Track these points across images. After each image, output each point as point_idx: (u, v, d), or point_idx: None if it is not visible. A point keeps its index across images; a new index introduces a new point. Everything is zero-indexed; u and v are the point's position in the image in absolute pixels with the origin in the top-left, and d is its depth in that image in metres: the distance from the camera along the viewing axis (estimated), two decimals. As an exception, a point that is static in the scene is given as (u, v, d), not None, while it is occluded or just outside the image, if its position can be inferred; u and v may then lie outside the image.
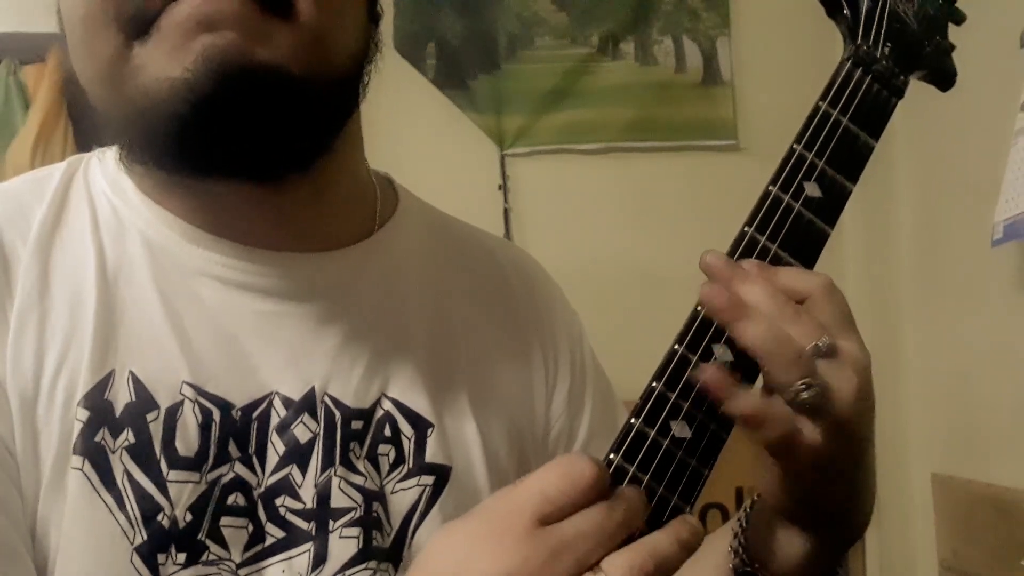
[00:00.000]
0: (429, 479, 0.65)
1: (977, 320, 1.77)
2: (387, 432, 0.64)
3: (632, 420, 0.54)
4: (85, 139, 1.83)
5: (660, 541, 0.49)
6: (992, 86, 1.55)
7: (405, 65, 2.05)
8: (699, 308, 0.55)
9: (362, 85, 0.64)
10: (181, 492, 0.58)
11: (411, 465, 0.64)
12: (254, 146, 0.57)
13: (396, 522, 0.63)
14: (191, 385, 0.60)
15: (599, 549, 0.48)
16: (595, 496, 0.48)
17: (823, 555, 0.61)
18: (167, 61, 0.54)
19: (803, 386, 0.52)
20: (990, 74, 1.50)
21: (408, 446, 0.65)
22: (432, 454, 0.65)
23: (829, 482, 0.56)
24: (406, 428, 0.65)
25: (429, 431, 0.66)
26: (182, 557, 0.57)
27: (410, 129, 1.98)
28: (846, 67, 0.60)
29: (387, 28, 2.00)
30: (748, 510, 0.65)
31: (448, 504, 0.64)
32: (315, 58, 0.56)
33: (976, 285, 1.77)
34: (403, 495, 0.64)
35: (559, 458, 0.50)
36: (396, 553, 0.63)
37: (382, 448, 0.64)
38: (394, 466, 0.64)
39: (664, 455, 0.53)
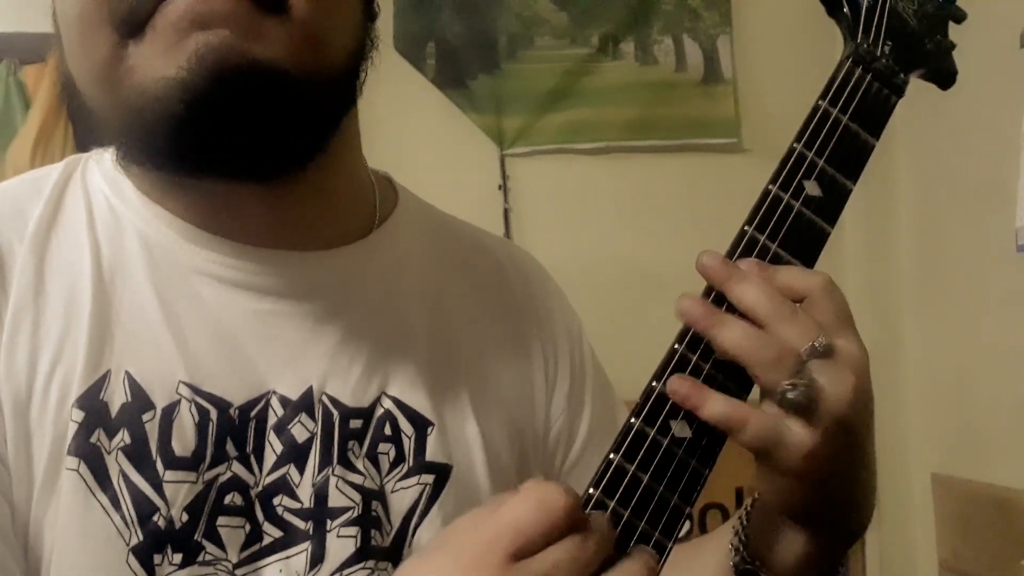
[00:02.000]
0: (429, 478, 0.64)
1: (977, 320, 1.77)
2: (387, 431, 0.64)
3: (632, 420, 0.54)
4: (85, 139, 1.83)
5: (632, 571, 0.49)
6: (993, 85, 1.55)
7: (405, 65, 2.05)
8: None
9: (358, 83, 0.63)
10: (177, 492, 0.58)
11: (411, 464, 0.64)
12: (250, 144, 0.57)
13: (396, 521, 0.63)
14: (188, 384, 0.60)
15: None
16: (569, 527, 0.48)
17: (824, 553, 0.61)
18: (161, 60, 0.54)
19: (789, 386, 0.52)
20: (991, 73, 1.50)
21: (408, 445, 0.65)
22: (432, 453, 0.65)
23: (828, 481, 0.56)
24: (406, 427, 0.65)
25: (429, 430, 0.65)
26: (178, 557, 0.57)
27: (410, 129, 1.98)
28: (846, 66, 0.60)
29: (386, 28, 2.01)
30: (749, 508, 0.65)
31: (448, 503, 0.64)
32: (310, 55, 0.56)
33: (976, 285, 1.76)
34: (403, 494, 0.63)
35: (532, 486, 0.49)
36: (396, 552, 0.62)
37: (382, 447, 0.64)
38: (394, 465, 0.64)
39: (664, 455, 0.53)
